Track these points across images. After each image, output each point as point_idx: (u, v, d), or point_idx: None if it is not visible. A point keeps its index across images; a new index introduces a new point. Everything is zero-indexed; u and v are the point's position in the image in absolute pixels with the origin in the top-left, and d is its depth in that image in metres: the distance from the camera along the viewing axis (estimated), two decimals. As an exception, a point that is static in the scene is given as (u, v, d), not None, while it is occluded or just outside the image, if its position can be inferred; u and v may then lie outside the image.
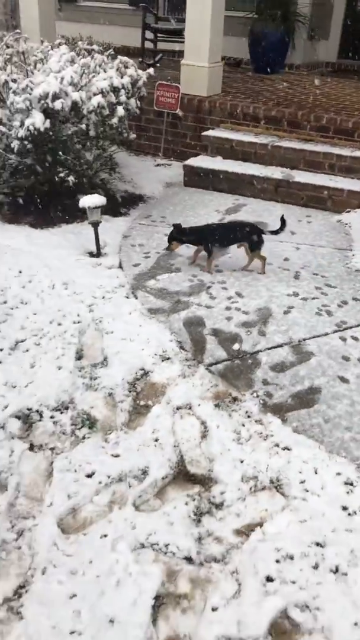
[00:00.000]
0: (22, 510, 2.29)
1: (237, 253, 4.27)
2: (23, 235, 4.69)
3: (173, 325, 3.54)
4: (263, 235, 4.11)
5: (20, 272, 4.08)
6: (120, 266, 4.31)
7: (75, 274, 4.11)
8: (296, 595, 1.95)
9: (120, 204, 5.49)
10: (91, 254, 4.47)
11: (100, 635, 1.81)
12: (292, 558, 2.09)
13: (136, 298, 3.85)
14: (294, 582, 2.00)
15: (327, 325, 3.57)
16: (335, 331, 3.51)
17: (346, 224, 5.13)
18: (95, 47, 5.82)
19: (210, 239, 4.14)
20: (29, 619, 1.87)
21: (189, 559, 2.10)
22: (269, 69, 8.53)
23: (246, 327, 3.53)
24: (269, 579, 2.01)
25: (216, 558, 2.11)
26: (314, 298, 3.88)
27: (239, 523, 2.25)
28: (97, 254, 4.44)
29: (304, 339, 3.42)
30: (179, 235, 4.18)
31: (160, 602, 1.95)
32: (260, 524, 2.22)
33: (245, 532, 2.22)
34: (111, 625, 1.85)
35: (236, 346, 3.35)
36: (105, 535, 2.16)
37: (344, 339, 3.43)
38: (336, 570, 2.05)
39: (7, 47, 5.72)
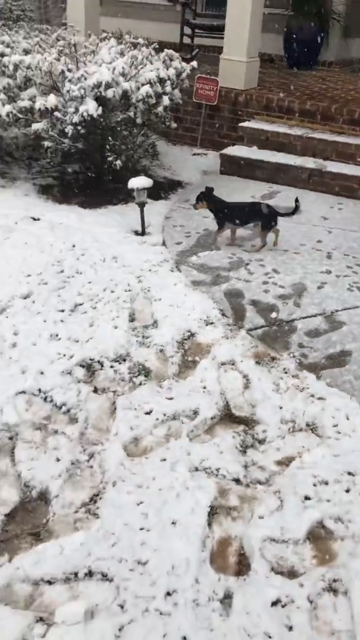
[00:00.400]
0: (92, 438, 2.65)
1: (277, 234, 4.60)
2: (74, 214, 5.06)
3: (215, 295, 3.87)
4: (278, 218, 4.41)
5: (73, 246, 4.45)
6: (164, 244, 4.65)
7: (124, 249, 4.46)
8: (330, 510, 2.28)
9: (160, 188, 5.83)
10: (136, 233, 4.82)
11: (166, 532, 2.16)
12: (326, 483, 2.41)
13: (180, 272, 4.18)
14: (328, 501, 2.32)
15: (358, 300, 3.87)
16: (365, 304, 3.82)
17: (376, 211, 5.41)
18: (140, 40, 6.16)
19: (222, 213, 4.49)
20: (104, 518, 2.23)
21: (237, 480, 2.44)
22: (302, 65, 8.80)
23: (282, 299, 3.85)
24: (307, 498, 2.34)
25: (260, 481, 2.45)
26: (345, 276, 4.18)
27: (279, 455, 2.59)
28: (142, 232, 4.79)
29: (336, 310, 3.73)
30: (205, 197, 4.48)
31: (213, 512, 2.30)
32: (300, 456, 2.55)
33: (285, 462, 2.55)
34: (174, 526, 2.19)
35: (273, 315, 3.67)
36: (165, 459, 2.51)
37: (373, 311, 3.73)
38: (365, 494, 2.37)
39: (59, 39, 6.11)
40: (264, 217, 4.42)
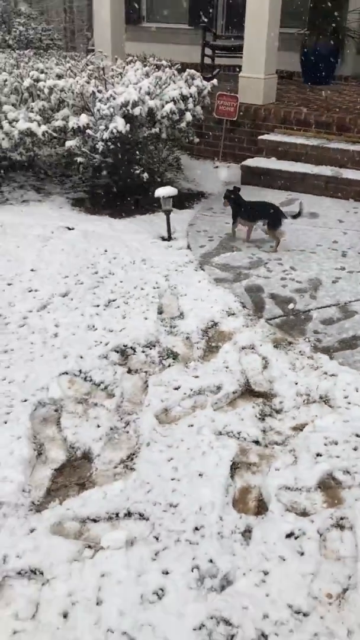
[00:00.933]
0: (127, 409, 3.00)
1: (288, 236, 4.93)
2: (105, 223, 5.48)
3: (236, 290, 4.21)
4: (284, 219, 4.80)
5: (105, 251, 4.85)
6: (189, 247, 5.02)
7: (151, 253, 4.84)
8: (340, 464, 2.57)
9: (184, 199, 6.22)
10: (163, 238, 5.20)
11: (193, 481, 2.48)
12: (336, 443, 2.70)
13: (203, 271, 4.54)
14: (338, 457, 2.62)
15: (370, 292, 4.17)
16: (376, 296, 4.11)
17: (389, 214, 5.70)
18: (164, 62, 6.61)
19: (237, 210, 4.98)
20: (140, 471, 2.56)
21: (256, 442, 2.75)
22: (318, 81, 9.17)
23: (299, 293, 4.16)
24: (318, 455, 2.64)
25: (277, 442, 2.76)
26: (358, 272, 4.48)
27: (294, 422, 2.89)
28: (169, 237, 5.17)
29: (350, 302, 4.03)
30: (231, 194, 5.00)
31: (235, 467, 2.61)
32: (312, 422, 2.85)
33: (299, 428, 2.85)
34: (200, 477, 2.51)
35: (291, 306, 3.98)
36: (192, 425, 2.83)
37: (383, 302, 4.02)
38: (371, 452, 2.65)
39: (88, 64, 6.61)
40: (270, 216, 4.83)
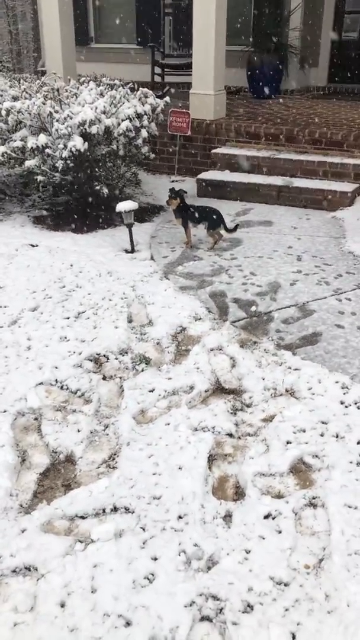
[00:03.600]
0: (105, 413, 3.13)
1: (246, 243, 5.16)
2: (68, 239, 5.60)
3: (201, 297, 4.39)
4: (222, 224, 5.27)
5: (71, 265, 4.97)
6: (152, 258, 5.19)
7: (116, 265, 4.99)
8: (308, 449, 2.76)
9: (144, 212, 6.41)
10: (126, 251, 5.36)
11: (174, 474, 2.63)
12: (304, 431, 2.90)
13: (168, 280, 4.71)
14: (306, 443, 2.81)
15: (326, 292, 4.41)
16: (332, 295, 4.36)
17: (340, 219, 6.01)
18: (117, 82, 6.82)
19: (186, 213, 5.35)
20: (123, 469, 2.69)
21: (230, 435, 2.91)
22: (265, 95, 9.56)
23: (260, 296, 4.38)
24: (288, 442, 2.82)
25: (250, 433, 2.93)
26: (314, 273, 4.73)
27: (264, 415, 3.08)
28: (132, 250, 5.33)
29: (307, 302, 4.27)
30: (178, 195, 5.33)
31: (212, 459, 2.77)
32: (281, 413, 3.04)
33: (269, 419, 3.03)
34: (180, 470, 2.66)
35: (253, 308, 4.19)
36: (168, 423, 2.98)
37: (339, 300, 4.27)
38: (337, 436, 2.85)
39: (42, 86, 6.76)
40: (210, 220, 5.23)
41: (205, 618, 2.02)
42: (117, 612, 2.03)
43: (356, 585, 2.09)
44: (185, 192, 5.40)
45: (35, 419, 3.10)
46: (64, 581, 2.15)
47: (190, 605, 2.05)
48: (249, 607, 2.04)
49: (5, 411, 3.11)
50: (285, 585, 2.12)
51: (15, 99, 6.20)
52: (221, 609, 2.04)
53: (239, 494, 2.59)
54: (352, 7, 10.47)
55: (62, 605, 2.07)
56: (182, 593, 2.09)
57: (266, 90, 9.51)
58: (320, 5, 10.01)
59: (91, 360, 3.58)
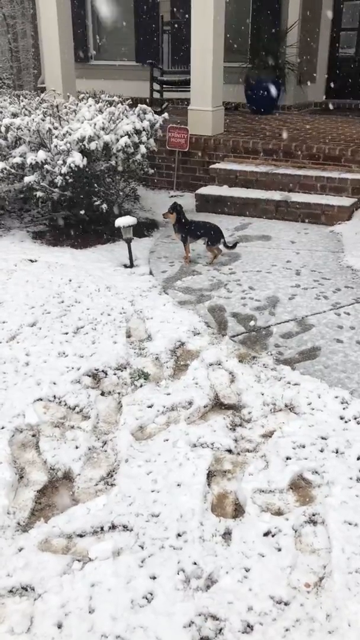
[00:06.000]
0: (103, 429, 3.11)
1: (244, 259, 5.16)
2: (67, 254, 5.61)
3: (200, 311, 4.39)
4: (222, 239, 5.28)
5: (70, 280, 4.97)
6: (151, 273, 5.19)
7: (115, 280, 4.99)
8: (308, 465, 2.74)
9: (143, 227, 6.42)
10: (125, 266, 5.36)
11: (173, 491, 2.60)
12: (304, 446, 2.88)
13: (167, 294, 4.71)
14: (306, 459, 2.79)
15: (325, 306, 4.41)
16: (331, 309, 4.36)
17: (338, 233, 6.03)
18: (115, 98, 6.87)
19: (186, 228, 5.36)
20: (121, 486, 2.66)
21: (229, 451, 2.89)
22: (263, 111, 9.64)
23: (259, 310, 4.38)
24: (288, 458, 2.80)
25: (249, 449, 2.91)
26: (312, 288, 4.73)
27: (263, 430, 3.06)
28: (131, 265, 5.34)
29: (306, 316, 4.26)
30: (175, 209, 5.34)
31: (211, 475, 2.75)
32: (280, 429, 3.02)
33: (268, 435, 3.01)
34: (179, 487, 2.63)
35: (252, 323, 4.19)
36: (167, 440, 2.96)
37: (338, 314, 4.26)
38: (336, 452, 2.83)
39: (41, 102, 6.81)
40: (210, 236, 5.26)
41: (204, 639, 1.99)
42: (115, 633, 2.00)
43: (357, 604, 2.07)
44: (181, 206, 5.40)
45: (33, 435, 3.08)
46: (61, 601, 2.12)
47: (190, 625, 2.02)
48: (248, 627, 2.01)
49: (3, 427, 3.09)
50: (286, 604, 2.09)
51: (14, 115, 6.24)
52: (220, 629, 2.01)
53: (238, 511, 2.56)
54: (349, 24, 10.59)
55: (59, 626, 2.04)
56: (181, 613, 2.06)
57: (264, 106, 9.60)
58: (317, 22, 10.14)
59: (89, 376, 3.57)
